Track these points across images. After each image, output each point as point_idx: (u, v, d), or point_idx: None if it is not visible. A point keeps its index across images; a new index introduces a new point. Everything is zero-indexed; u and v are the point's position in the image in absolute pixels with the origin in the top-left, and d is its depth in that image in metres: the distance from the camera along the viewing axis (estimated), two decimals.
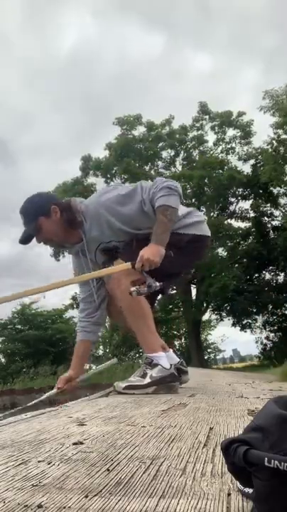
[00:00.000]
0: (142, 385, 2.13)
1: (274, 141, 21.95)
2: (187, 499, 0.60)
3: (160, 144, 26.88)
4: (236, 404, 1.61)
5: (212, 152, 26.79)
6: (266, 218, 25.24)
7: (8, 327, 23.62)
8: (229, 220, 26.01)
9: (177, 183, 2.21)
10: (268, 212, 25.21)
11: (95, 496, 0.63)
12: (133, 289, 2.04)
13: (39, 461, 0.83)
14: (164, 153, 27.27)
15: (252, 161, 25.09)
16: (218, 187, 24.41)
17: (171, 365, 2.18)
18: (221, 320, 26.03)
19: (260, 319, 25.25)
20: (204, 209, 25.27)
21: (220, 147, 26.51)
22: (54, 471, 0.76)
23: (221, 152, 26.40)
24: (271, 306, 24.61)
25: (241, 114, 25.63)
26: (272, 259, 23.32)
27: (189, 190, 24.48)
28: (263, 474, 0.48)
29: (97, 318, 2.44)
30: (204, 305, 25.71)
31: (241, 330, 25.17)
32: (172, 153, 27.29)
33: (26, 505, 0.59)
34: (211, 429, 1.11)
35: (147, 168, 26.85)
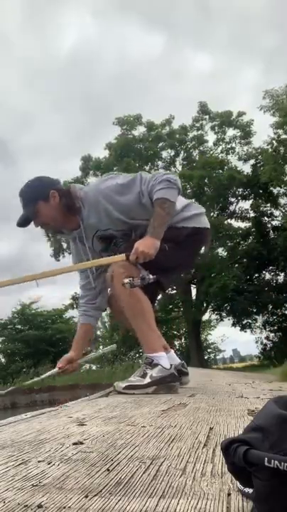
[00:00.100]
0: (142, 385, 2.12)
1: (274, 141, 21.98)
2: (187, 499, 0.60)
3: (160, 144, 26.89)
4: (236, 404, 1.61)
5: (212, 152, 26.80)
6: (266, 218, 25.27)
7: (8, 327, 23.65)
8: (229, 220, 26.05)
9: (177, 176, 2.21)
10: (268, 212, 25.24)
11: (95, 495, 0.63)
12: (126, 280, 2.04)
13: (39, 461, 0.83)
14: (164, 153, 27.32)
15: (252, 161, 25.14)
16: (218, 187, 24.42)
17: (171, 365, 2.18)
18: (221, 320, 26.06)
19: (260, 319, 25.31)
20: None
21: (220, 147, 26.56)
22: (54, 471, 0.76)
23: (222, 152, 26.43)
24: (271, 306, 24.63)
25: (241, 114, 25.65)
26: (272, 259, 23.33)
27: (189, 190, 24.47)
28: (263, 474, 0.48)
29: (98, 304, 2.48)
30: (204, 305, 25.72)
31: (241, 330, 25.21)
32: (172, 153, 27.32)
33: (26, 505, 0.59)
34: (211, 429, 1.11)
35: (147, 168, 26.82)
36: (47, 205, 2.26)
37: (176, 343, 32.04)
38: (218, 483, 0.67)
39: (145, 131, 26.92)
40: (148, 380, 2.12)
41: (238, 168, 25.00)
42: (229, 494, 0.62)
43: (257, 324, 25.44)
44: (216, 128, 26.23)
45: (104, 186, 2.23)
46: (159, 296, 2.83)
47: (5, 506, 0.59)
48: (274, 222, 24.93)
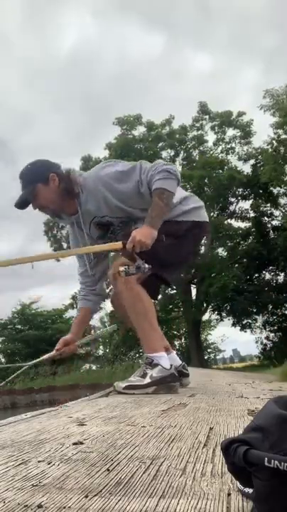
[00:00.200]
0: (142, 385, 2.12)
1: (274, 141, 21.96)
2: (187, 499, 0.60)
3: (160, 144, 26.87)
4: (236, 404, 1.61)
5: (212, 152, 26.79)
6: (266, 218, 25.26)
7: (8, 327, 23.66)
8: (229, 220, 26.02)
9: (177, 167, 2.20)
10: (268, 212, 25.23)
11: (95, 495, 0.63)
12: (121, 268, 2.04)
13: (39, 461, 0.83)
14: (164, 153, 27.24)
15: (252, 161, 25.11)
16: (218, 187, 24.41)
17: (171, 365, 2.18)
18: (221, 320, 26.03)
19: (260, 319, 25.29)
20: None
21: (220, 147, 26.53)
22: (54, 471, 0.76)
23: (221, 152, 26.41)
24: (271, 306, 24.62)
25: (241, 114, 25.63)
26: (272, 259, 23.33)
27: (189, 190, 24.36)
28: (263, 474, 0.48)
29: (98, 290, 2.51)
30: (204, 305, 25.71)
31: (241, 330, 25.19)
32: (172, 153, 27.28)
33: (26, 505, 0.59)
34: (211, 429, 1.11)
35: None
36: (46, 188, 2.26)
37: (176, 343, 32.07)
38: (218, 483, 0.67)
39: (145, 131, 26.90)
40: (148, 380, 2.12)
41: (238, 168, 24.98)
42: (229, 494, 0.62)
43: (257, 324, 25.47)
44: (216, 128, 26.21)
45: (103, 173, 2.22)
46: (159, 296, 2.83)
47: (5, 506, 0.59)
48: (274, 222, 24.96)
